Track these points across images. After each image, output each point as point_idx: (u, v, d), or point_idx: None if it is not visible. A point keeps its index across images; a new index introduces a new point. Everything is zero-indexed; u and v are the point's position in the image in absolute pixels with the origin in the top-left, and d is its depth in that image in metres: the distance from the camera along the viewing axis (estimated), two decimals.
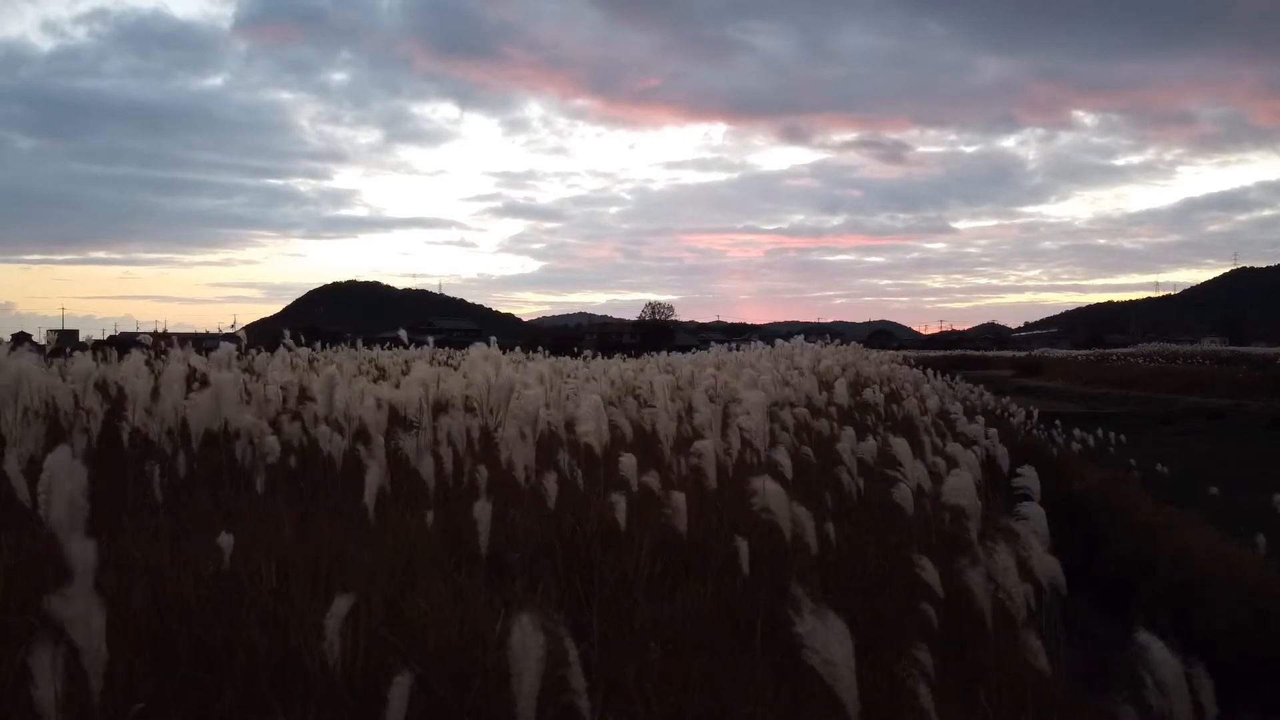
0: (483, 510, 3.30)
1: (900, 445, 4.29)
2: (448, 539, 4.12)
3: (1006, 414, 15.74)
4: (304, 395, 6.81)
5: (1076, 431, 13.94)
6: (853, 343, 19.46)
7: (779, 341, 19.19)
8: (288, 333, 12.16)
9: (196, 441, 4.42)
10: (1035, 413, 15.18)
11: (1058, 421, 14.40)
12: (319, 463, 5.00)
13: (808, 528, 3.22)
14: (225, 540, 3.09)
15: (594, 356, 17.36)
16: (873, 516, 5.19)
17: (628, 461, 4.21)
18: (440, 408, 6.97)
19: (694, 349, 20.27)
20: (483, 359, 6.99)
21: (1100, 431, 14.53)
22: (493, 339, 8.78)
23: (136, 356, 5.10)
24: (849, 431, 6.07)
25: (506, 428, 5.10)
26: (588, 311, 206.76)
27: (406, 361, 12.48)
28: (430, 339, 16.07)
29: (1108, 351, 69.98)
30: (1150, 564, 8.01)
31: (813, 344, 18.34)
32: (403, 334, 13.50)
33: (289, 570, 3.44)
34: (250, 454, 4.88)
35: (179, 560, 3.38)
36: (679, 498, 3.70)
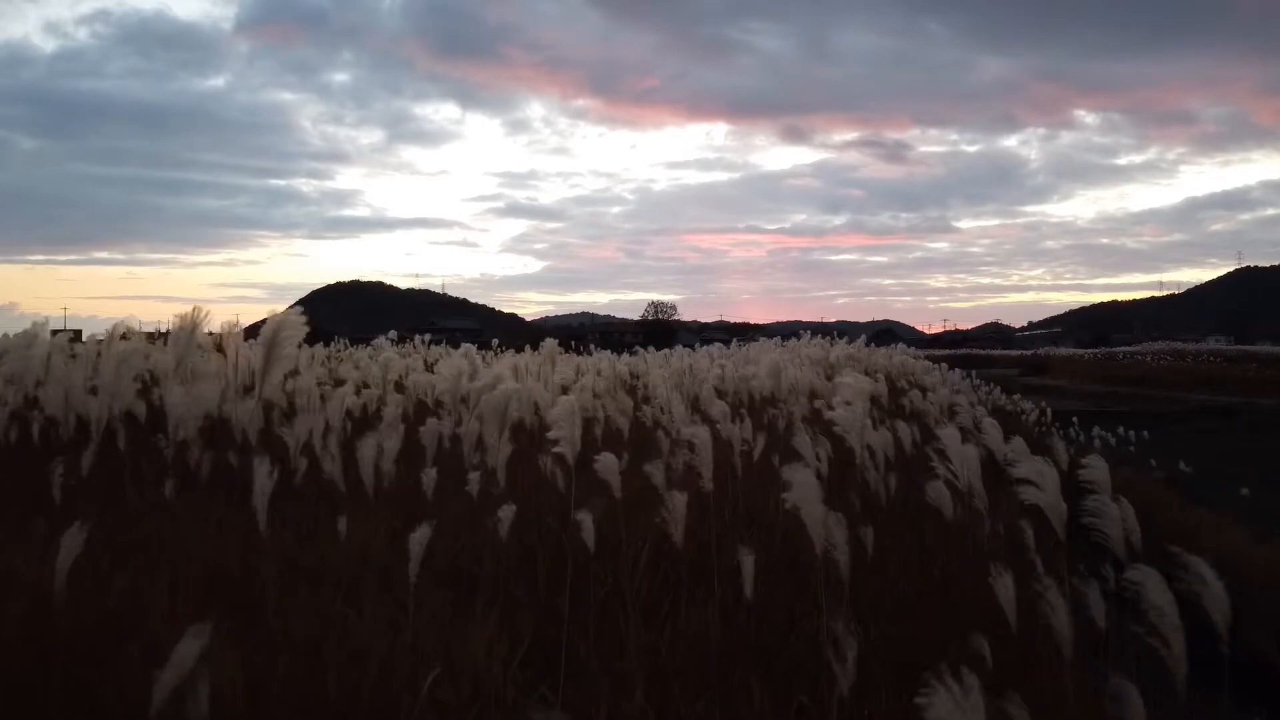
0: (420, 535, 2.73)
1: (949, 434, 3.71)
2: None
3: (1020, 411, 15.22)
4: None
5: (1096, 430, 13.42)
6: (859, 340, 19.01)
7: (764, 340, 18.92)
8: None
9: (98, 428, 3.86)
10: (1049, 410, 14.64)
11: (1075, 419, 13.87)
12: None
13: (838, 536, 2.64)
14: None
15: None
16: (901, 518, 4.64)
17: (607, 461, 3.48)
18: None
19: (695, 347, 19.86)
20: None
21: (1122, 430, 13.99)
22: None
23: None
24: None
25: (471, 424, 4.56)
26: (591, 311, 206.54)
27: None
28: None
29: (1114, 350, 69.55)
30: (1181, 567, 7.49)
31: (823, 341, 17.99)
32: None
33: (189, 588, 2.90)
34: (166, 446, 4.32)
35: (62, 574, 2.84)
36: (678, 499, 3.11)
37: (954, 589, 3.65)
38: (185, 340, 3.80)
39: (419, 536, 2.70)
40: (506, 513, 3.40)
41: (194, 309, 3.85)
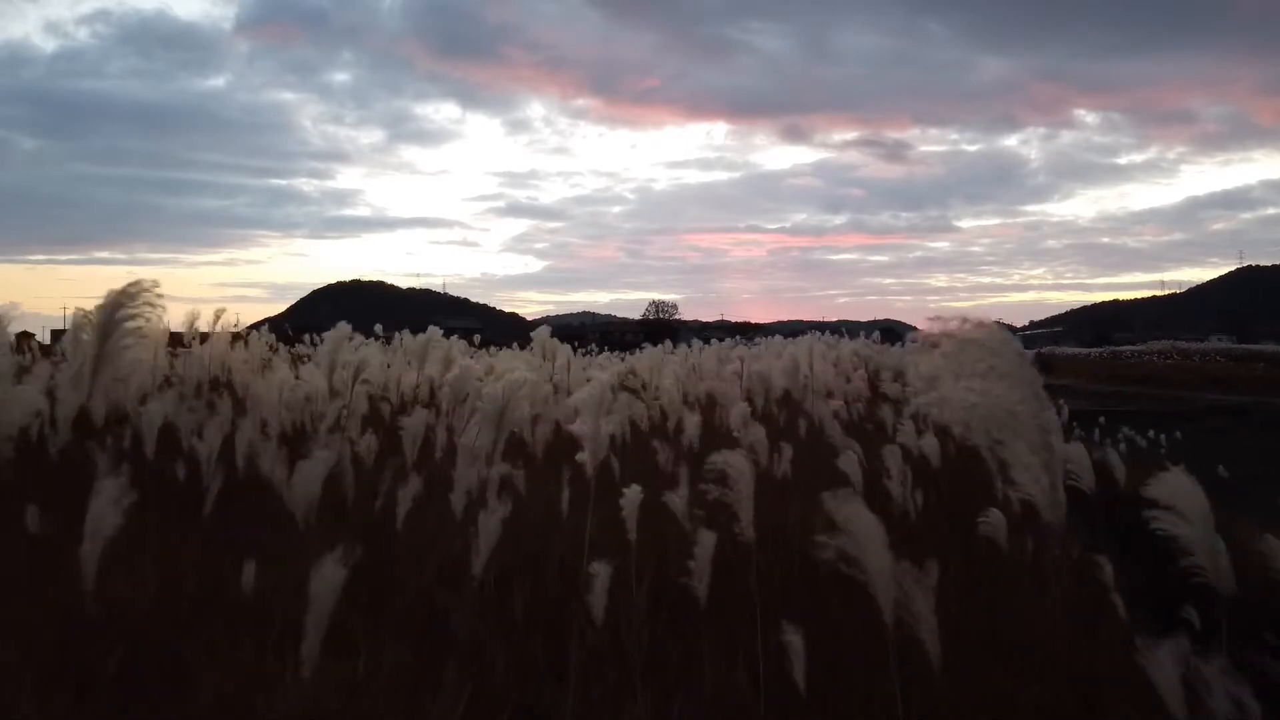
0: (332, 572, 2.13)
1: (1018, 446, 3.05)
2: (371, 583, 2.96)
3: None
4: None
5: (1124, 430, 12.86)
6: (874, 336, 18.39)
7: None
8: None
9: None
10: (1066, 410, 13.99)
11: (1101, 419, 13.27)
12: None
13: (922, 605, 1.93)
14: None
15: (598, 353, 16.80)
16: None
17: None
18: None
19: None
20: None
21: (1152, 433, 13.41)
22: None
23: None
24: None
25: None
26: (591, 311, 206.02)
27: None
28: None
29: (1120, 349, 69.19)
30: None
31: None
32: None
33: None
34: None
35: None
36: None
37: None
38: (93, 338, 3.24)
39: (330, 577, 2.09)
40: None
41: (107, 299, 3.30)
